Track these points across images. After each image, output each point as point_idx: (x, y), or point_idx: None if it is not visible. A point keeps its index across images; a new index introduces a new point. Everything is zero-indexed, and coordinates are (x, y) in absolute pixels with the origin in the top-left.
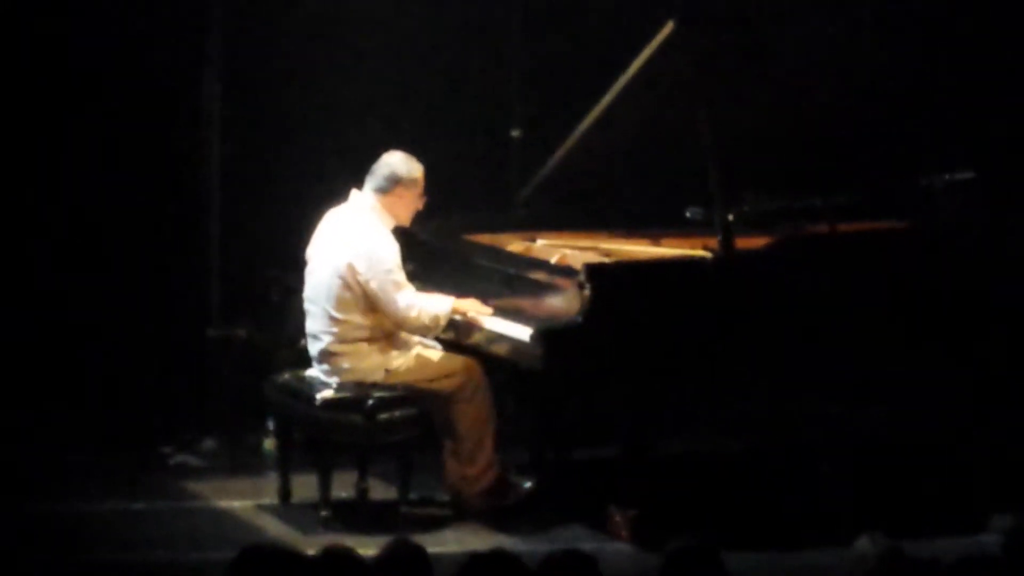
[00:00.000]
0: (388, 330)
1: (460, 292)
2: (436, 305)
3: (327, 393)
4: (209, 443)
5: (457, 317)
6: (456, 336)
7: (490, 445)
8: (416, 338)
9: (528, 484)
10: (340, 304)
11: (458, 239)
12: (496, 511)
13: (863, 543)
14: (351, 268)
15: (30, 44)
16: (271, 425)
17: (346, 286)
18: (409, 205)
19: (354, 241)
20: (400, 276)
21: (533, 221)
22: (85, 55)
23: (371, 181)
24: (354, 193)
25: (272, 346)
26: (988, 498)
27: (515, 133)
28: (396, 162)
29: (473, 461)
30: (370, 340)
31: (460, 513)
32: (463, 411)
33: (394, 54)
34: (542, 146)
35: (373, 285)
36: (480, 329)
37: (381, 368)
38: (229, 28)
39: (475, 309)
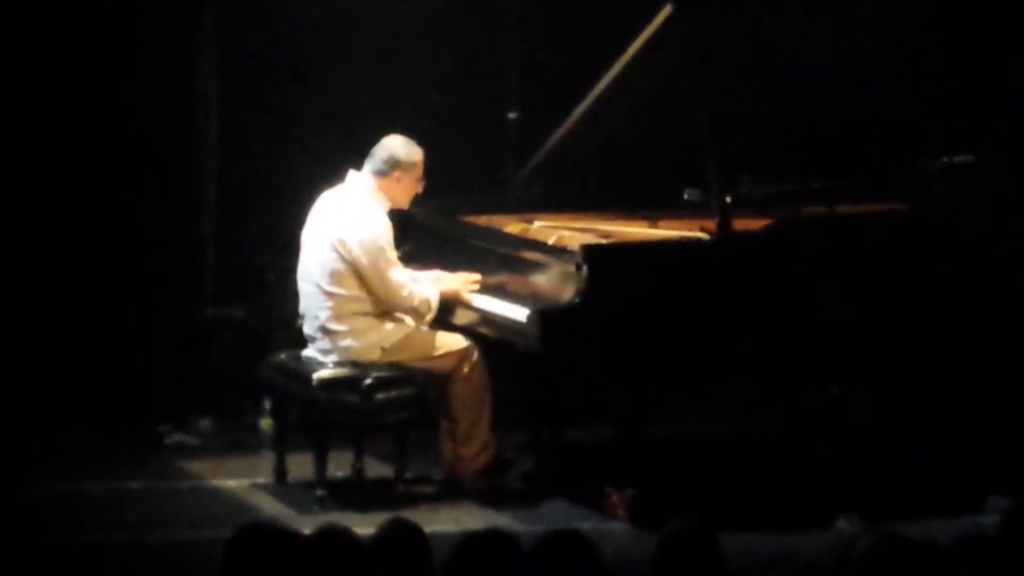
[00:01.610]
0: (381, 304)
1: (455, 272)
2: (426, 290)
3: (324, 373)
4: (205, 423)
5: (447, 297)
6: (452, 317)
7: (486, 425)
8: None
9: (525, 464)
10: (334, 278)
11: (455, 220)
12: (492, 491)
13: (841, 526)
14: (343, 243)
15: (24, 27)
16: (267, 405)
17: (339, 259)
18: (407, 189)
19: (347, 218)
20: (392, 255)
21: (530, 203)
22: (81, 37)
23: (370, 163)
24: (351, 174)
25: (268, 326)
26: (985, 480)
27: (512, 115)
28: (396, 145)
29: (469, 441)
30: (367, 314)
31: (456, 493)
32: (459, 391)
33: (391, 36)
34: (539, 128)
35: (364, 261)
36: (467, 307)
37: (377, 346)
38: (226, 10)
39: (464, 286)
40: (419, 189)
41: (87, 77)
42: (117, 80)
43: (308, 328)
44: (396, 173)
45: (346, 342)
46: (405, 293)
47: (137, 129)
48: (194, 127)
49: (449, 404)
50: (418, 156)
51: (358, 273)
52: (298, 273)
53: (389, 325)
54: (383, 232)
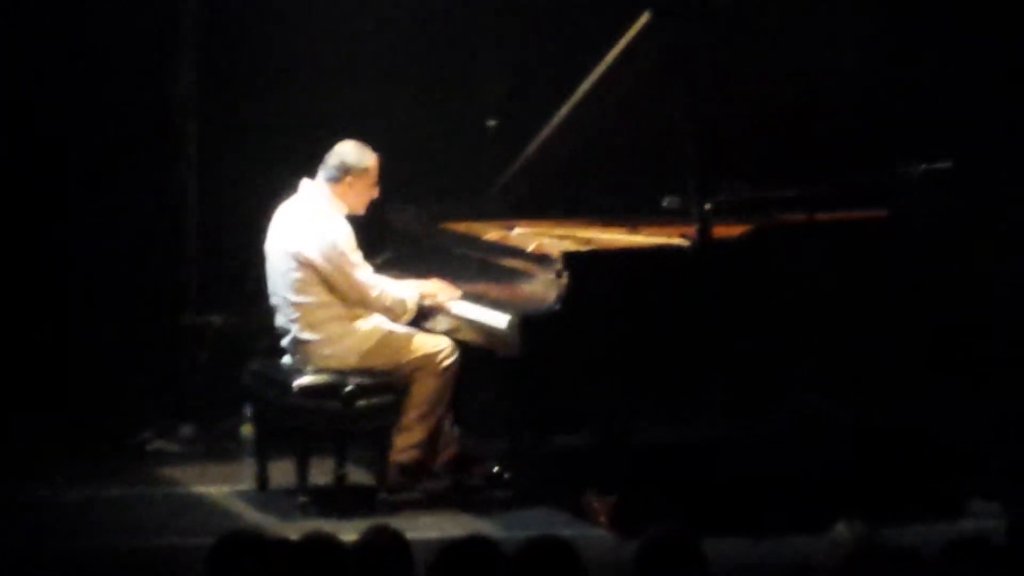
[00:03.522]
0: (353, 307)
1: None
2: (402, 290)
3: (303, 380)
4: (186, 429)
5: (427, 302)
6: (431, 323)
7: (430, 426)
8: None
9: (495, 468)
10: (299, 288)
11: (435, 227)
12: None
13: (840, 529)
14: (301, 254)
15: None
16: (248, 411)
17: (300, 268)
18: (361, 194)
19: (303, 229)
20: (355, 257)
21: (510, 209)
22: (58, 45)
23: (322, 171)
24: (304, 182)
25: (248, 333)
26: (965, 485)
27: (491, 122)
28: (347, 151)
29: (407, 431)
30: (340, 319)
31: (437, 499)
32: (424, 380)
33: (370, 44)
34: (518, 135)
35: (329, 268)
36: (447, 314)
37: (354, 352)
38: (204, 16)
39: (443, 292)
40: (374, 194)
41: (63, 87)
42: (99, 89)
43: (285, 341)
44: (348, 179)
45: (322, 351)
46: (375, 294)
47: (117, 137)
48: (174, 134)
49: (410, 392)
50: (370, 161)
51: (326, 280)
52: (268, 288)
53: (363, 328)
54: (341, 236)
